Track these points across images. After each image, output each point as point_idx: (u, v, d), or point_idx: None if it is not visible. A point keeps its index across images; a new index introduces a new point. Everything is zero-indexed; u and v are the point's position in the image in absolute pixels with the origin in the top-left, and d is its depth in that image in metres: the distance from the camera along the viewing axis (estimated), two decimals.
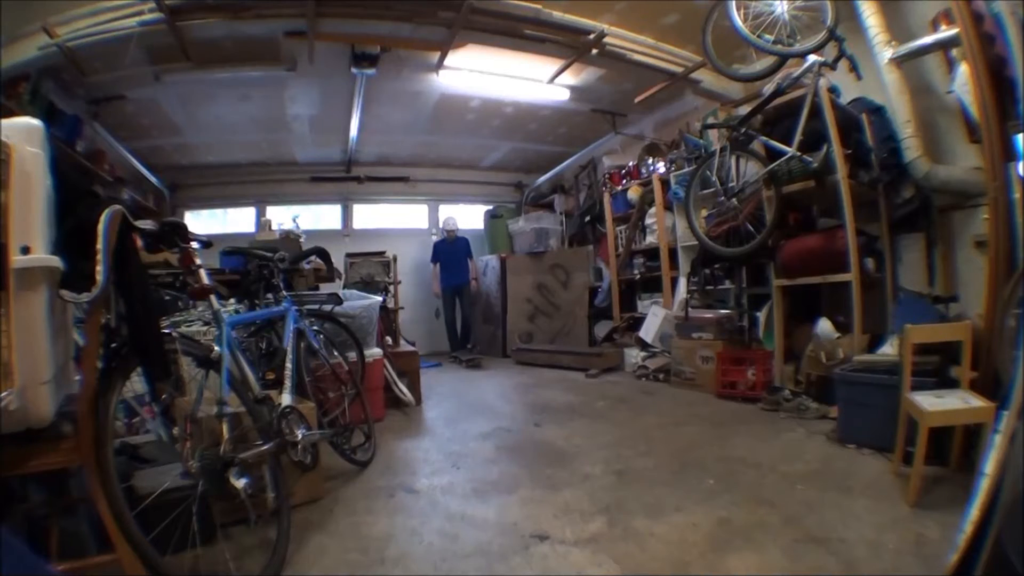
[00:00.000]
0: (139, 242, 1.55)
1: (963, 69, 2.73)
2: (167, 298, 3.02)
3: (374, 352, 3.54)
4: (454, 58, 4.30)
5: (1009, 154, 2.50)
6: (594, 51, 4.15)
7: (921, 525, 1.75)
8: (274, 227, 5.14)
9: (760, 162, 3.55)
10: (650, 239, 5.46)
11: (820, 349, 3.25)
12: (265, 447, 1.79)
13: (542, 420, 3.48)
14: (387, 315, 4.67)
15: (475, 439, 3.12)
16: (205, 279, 1.85)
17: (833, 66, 3.22)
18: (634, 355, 5.03)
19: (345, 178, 7.29)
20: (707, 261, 4.44)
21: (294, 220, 5.39)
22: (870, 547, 1.64)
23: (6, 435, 1.15)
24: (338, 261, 5.05)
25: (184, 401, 2.02)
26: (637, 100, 5.21)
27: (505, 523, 1.97)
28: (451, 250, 6.80)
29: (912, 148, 3.06)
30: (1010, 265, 2.37)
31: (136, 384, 1.58)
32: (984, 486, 1.29)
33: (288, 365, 2.13)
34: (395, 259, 6.04)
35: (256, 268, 2.54)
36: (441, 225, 7.06)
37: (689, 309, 4.40)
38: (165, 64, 3.93)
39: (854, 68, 3.13)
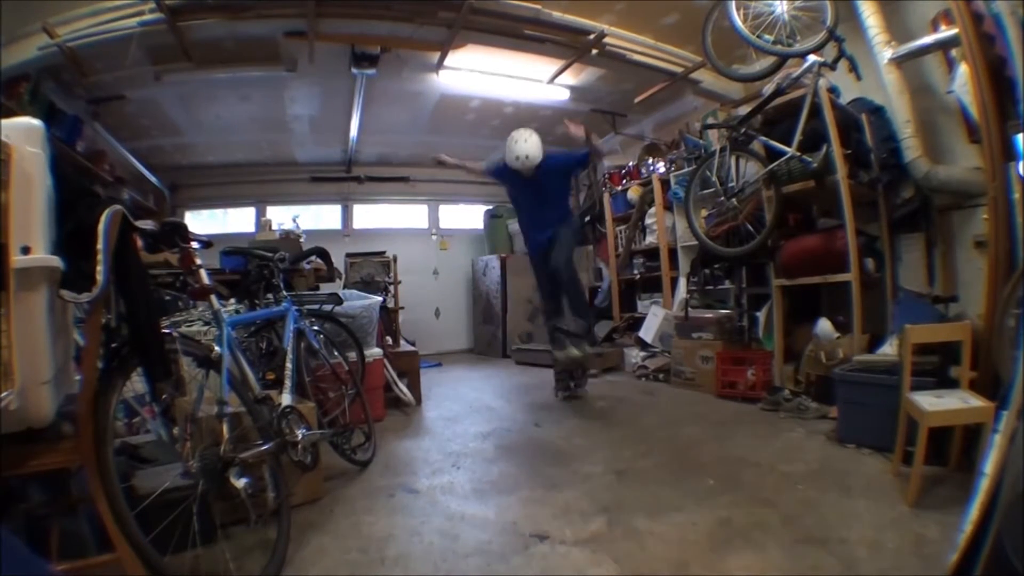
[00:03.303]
0: (139, 242, 1.55)
1: (963, 69, 2.73)
2: (167, 298, 3.02)
3: (374, 352, 3.54)
4: (454, 58, 4.30)
5: (1009, 154, 2.50)
6: (594, 51, 4.15)
7: (921, 525, 1.75)
8: (274, 227, 5.13)
9: (760, 162, 3.55)
10: (650, 239, 5.46)
11: (820, 349, 3.25)
12: (265, 447, 1.79)
13: (542, 420, 3.48)
14: (387, 315, 4.67)
15: (475, 439, 3.12)
16: (205, 279, 1.85)
17: (833, 66, 3.22)
18: (634, 355, 5.03)
19: (345, 178, 7.28)
20: (707, 261, 4.44)
21: (294, 220, 5.39)
22: (870, 547, 1.64)
23: (6, 435, 1.15)
24: (338, 261, 5.04)
25: (184, 401, 2.02)
26: (637, 100, 5.21)
27: (505, 523, 1.97)
28: (530, 191, 3.92)
29: (912, 148, 3.06)
30: (1010, 265, 2.38)
31: (136, 384, 1.58)
32: (984, 486, 1.30)
33: (288, 365, 2.13)
34: (395, 259, 6.03)
35: (256, 268, 2.54)
36: (510, 155, 3.87)
37: (689, 309, 4.40)
38: (165, 64, 3.92)
39: (854, 68, 3.12)
